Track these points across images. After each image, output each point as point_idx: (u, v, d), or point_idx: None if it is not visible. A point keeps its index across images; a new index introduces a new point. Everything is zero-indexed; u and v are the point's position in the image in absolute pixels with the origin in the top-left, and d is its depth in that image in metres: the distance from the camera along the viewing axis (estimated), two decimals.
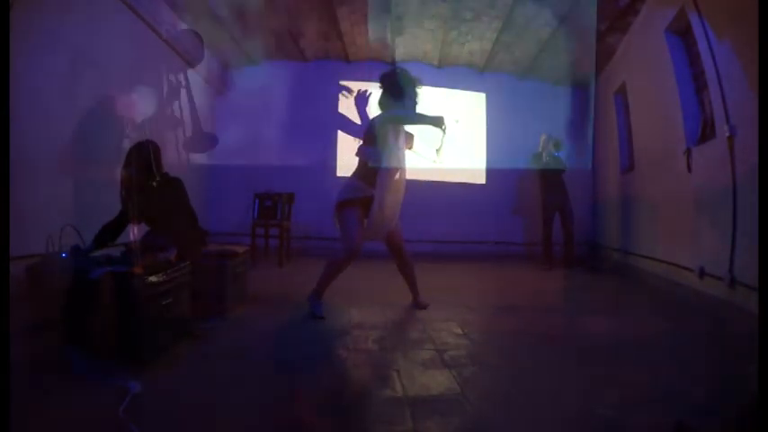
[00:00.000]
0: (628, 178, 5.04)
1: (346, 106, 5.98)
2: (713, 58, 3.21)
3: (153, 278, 1.96)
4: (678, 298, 3.50)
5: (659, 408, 1.60)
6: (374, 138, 2.69)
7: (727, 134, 3.02)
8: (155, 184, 2.37)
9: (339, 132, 6.05)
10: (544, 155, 5.21)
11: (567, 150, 5.33)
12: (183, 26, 4.53)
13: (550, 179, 5.16)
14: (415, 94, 2.81)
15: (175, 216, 2.45)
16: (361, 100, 2.94)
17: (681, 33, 3.86)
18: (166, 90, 4.46)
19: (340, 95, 3.69)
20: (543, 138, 5.23)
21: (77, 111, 3.08)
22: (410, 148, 2.89)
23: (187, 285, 2.25)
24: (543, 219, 5.25)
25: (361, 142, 2.73)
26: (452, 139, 3.06)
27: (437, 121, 2.66)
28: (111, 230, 2.44)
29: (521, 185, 5.90)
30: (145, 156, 2.36)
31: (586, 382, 1.85)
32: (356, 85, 6.09)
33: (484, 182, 6.04)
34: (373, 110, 2.89)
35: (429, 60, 5.97)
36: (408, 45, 5.60)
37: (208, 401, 1.58)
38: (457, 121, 2.84)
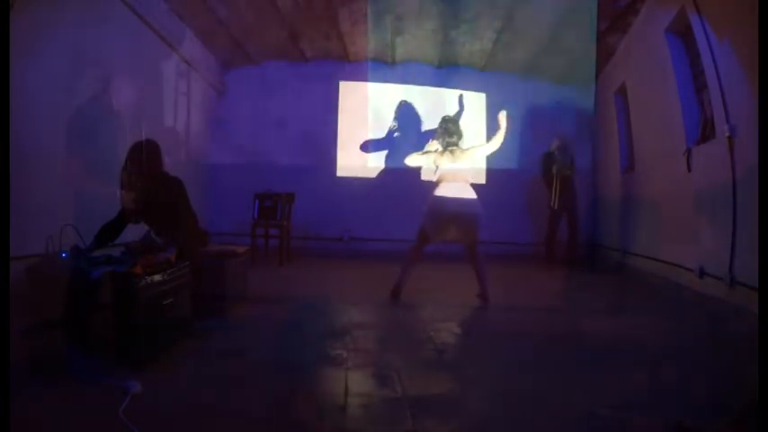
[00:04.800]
0: (628, 178, 5.04)
1: (347, 109, 6.02)
2: (713, 58, 3.21)
3: (153, 278, 1.96)
4: (678, 298, 3.50)
5: (659, 408, 1.60)
6: None
7: (727, 134, 3.02)
8: (154, 184, 2.37)
9: (339, 132, 6.05)
10: (555, 155, 5.20)
11: (570, 154, 5.31)
12: (183, 25, 4.52)
13: (561, 180, 5.14)
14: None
15: (175, 216, 2.44)
16: None
17: (681, 33, 3.86)
18: (167, 90, 4.46)
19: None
20: (556, 143, 5.23)
21: (77, 111, 3.08)
22: None
23: (187, 285, 2.25)
24: (550, 218, 5.24)
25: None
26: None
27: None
28: (111, 230, 2.43)
29: (525, 185, 5.88)
30: (145, 155, 2.35)
31: (586, 382, 1.85)
32: (356, 85, 6.16)
33: (484, 182, 6.03)
34: None
35: (429, 60, 5.96)
36: (408, 45, 5.59)
37: (208, 401, 1.58)
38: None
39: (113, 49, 3.41)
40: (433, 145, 3.45)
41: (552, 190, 5.15)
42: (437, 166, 3.33)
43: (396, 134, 5.97)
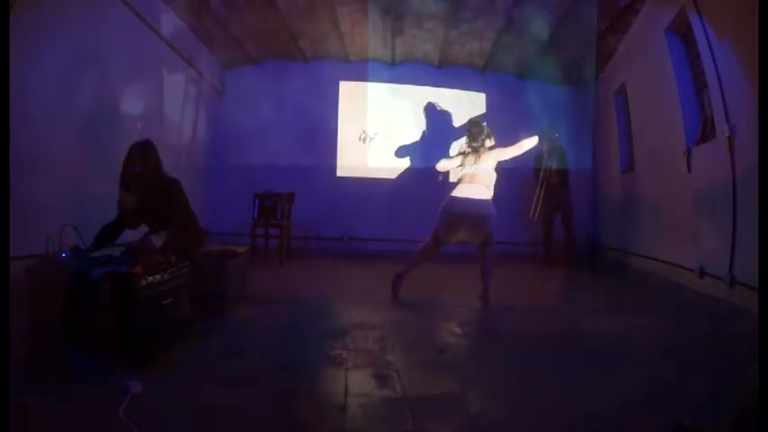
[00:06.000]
0: (628, 178, 5.04)
1: (347, 109, 6.02)
2: (713, 58, 3.21)
3: (153, 278, 1.96)
4: (678, 298, 3.50)
5: (659, 408, 1.60)
6: None
7: (727, 134, 3.02)
8: (152, 185, 2.35)
9: (339, 132, 6.05)
10: (545, 156, 5.20)
11: (561, 158, 5.31)
12: (183, 25, 4.52)
13: (553, 179, 5.14)
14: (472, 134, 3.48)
15: (174, 217, 2.43)
16: None
17: (681, 33, 3.86)
18: (167, 90, 4.45)
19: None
20: (545, 146, 5.20)
21: (78, 111, 3.08)
22: None
23: (187, 285, 2.25)
24: (543, 219, 5.24)
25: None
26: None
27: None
28: (111, 232, 2.42)
29: (523, 186, 5.87)
30: (141, 157, 2.33)
31: (586, 382, 1.85)
32: (356, 86, 6.18)
33: None
34: None
35: (429, 60, 5.96)
36: (408, 45, 5.59)
37: (208, 401, 1.58)
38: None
39: (113, 50, 3.41)
40: (461, 147, 3.53)
41: (536, 196, 5.12)
42: (462, 167, 3.38)
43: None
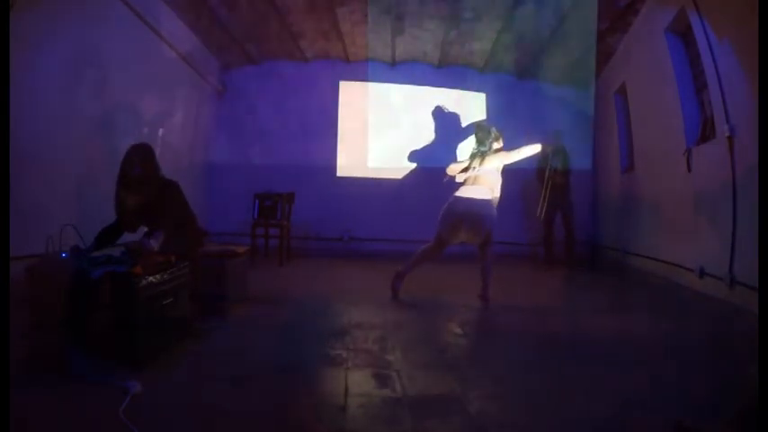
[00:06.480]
0: (628, 178, 5.04)
1: (347, 109, 6.02)
2: (713, 58, 3.21)
3: (153, 278, 1.96)
4: (678, 298, 3.50)
5: (659, 408, 1.60)
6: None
7: (727, 134, 3.02)
8: (150, 188, 2.33)
9: (339, 132, 6.05)
10: (550, 156, 5.18)
11: (564, 157, 5.30)
12: (183, 25, 4.52)
13: (554, 179, 5.12)
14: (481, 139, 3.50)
15: (173, 218, 2.42)
16: None
17: (681, 33, 3.86)
18: (167, 90, 4.45)
19: None
20: (550, 146, 5.17)
21: (77, 111, 3.08)
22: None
23: (187, 285, 2.25)
24: (544, 218, 5.24)
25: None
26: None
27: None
28: (111, 234, 2.42)
29: (524, 186, 5.86)
30: (140, 159, 2.32)
31: (586, 382, 1.85)
32: (356, 85, 6.16)
33: None
34: None
35: (429, 60, 5.96)
36: (408, 45, 5.58)
37: (208, 401, 1.58)
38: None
39: (113, 50, 3.41)
40: (472, 149, 3.57)
41: (542, 196, 5.10)
42: (469, 169, 3.42)
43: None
